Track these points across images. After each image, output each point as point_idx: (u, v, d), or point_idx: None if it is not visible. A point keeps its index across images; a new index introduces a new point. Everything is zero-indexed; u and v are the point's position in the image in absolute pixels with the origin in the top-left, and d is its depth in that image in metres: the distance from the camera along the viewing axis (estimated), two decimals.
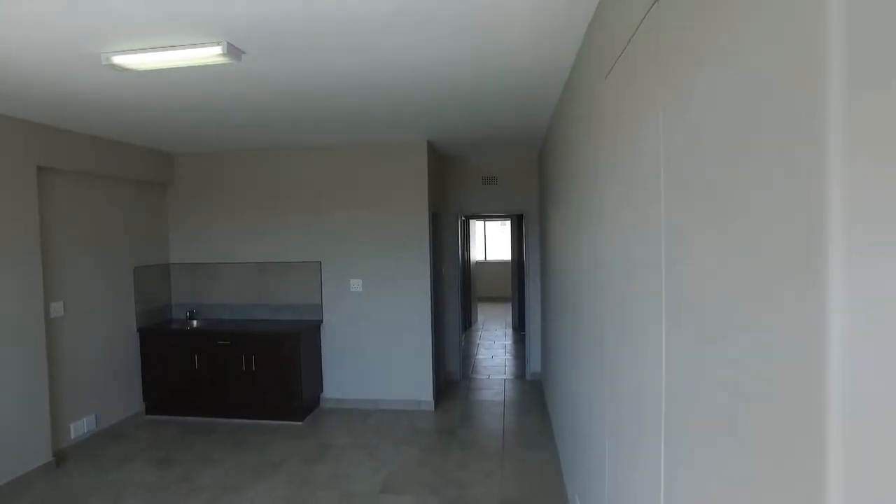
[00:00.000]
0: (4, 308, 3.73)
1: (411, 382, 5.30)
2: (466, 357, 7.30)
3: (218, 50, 2.51)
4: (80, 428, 4.45)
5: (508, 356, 7.42)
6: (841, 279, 0.64)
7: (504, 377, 6.40)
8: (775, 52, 0.79)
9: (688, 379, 1.15)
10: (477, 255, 11.72)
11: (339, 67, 2.93)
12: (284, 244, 5.45)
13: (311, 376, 5.15)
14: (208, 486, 3.76)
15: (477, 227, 12.63)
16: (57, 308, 4.26)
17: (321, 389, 5.42)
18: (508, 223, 13.07)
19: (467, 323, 9.06)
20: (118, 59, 2.60)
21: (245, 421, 5.01)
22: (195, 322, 5.40)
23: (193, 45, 2.50)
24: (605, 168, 2.03)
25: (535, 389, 5.87)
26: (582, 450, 2.81)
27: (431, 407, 5.28)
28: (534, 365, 6.31)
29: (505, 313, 10.87)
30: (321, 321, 5.40)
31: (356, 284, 5.33)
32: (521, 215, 8.28)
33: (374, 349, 5.34)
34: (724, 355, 0.96)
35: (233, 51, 2.56)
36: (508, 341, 8.36)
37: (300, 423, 4.95)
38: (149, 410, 5.21)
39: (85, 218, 4.57)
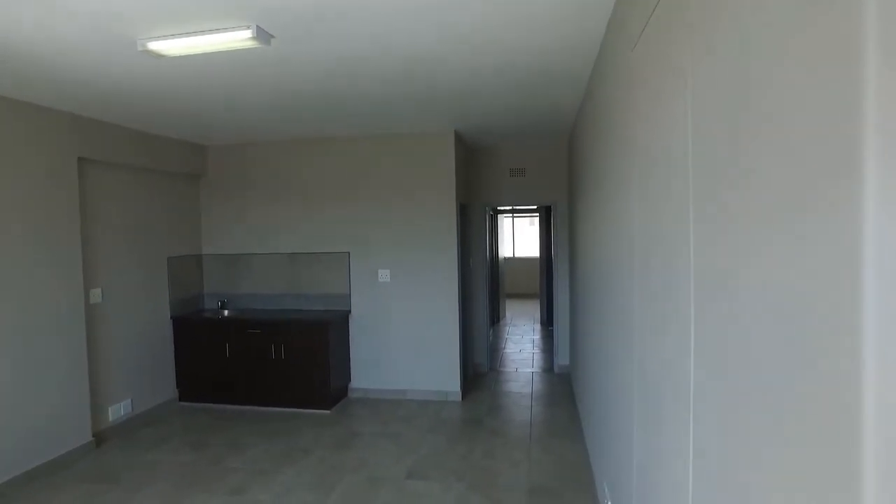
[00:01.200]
0: (49, 293, 3.87)
1: (439, 373, 5.31)
2: (494, 350, 7.28)
3: (248, 34, 2.55)
4: (117, 411, 4.59)
5: (536, 350, 7.37)
6: (873, 229, 0.61)
7: (532, 370, 6.36)
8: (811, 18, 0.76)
9: (717, 356, 1.13)
10: (505, 251, 11.68)
11: (364, 51, 2.95)
12: (314, 235, 5.52)
13: (339, 366, 5.20)
14: (239, 469, 3.84)
15: (505, 223, 12.60)
16: (96, 294, 4.40)
17: (349, 379, 5.47)
18: (537, 220, 13.01)
19: (495, 318, 9.04)
20: (153, 45, 2.67)
21: (274, 409, 5.09)
22: (226, 311, 5.51)
23: (224, 30, 2.56)
24: (631, 145, 2.00)
25: (563, 382, 5.82)
26: (610, 438, 2.78)
27: (459, 398, 5.28)
28: (562, 358, 6.26)
29: (533, 309, 10.80)
30: (349, 311, 5.46)
31: (384, 275, 5.37)
32: (550, 209, 8.23)
33: (402, 339, 5.37)
34: (753, 331, 0.94)
35: (262, 34, 2.60)
36: (536, 336, 8.31)
37: (328, 412, 5.01)
38: (182, 397, 5.34)
39: (121, 208, 4.71)
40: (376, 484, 3.57)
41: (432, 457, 4.00)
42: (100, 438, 4.35)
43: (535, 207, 10.13)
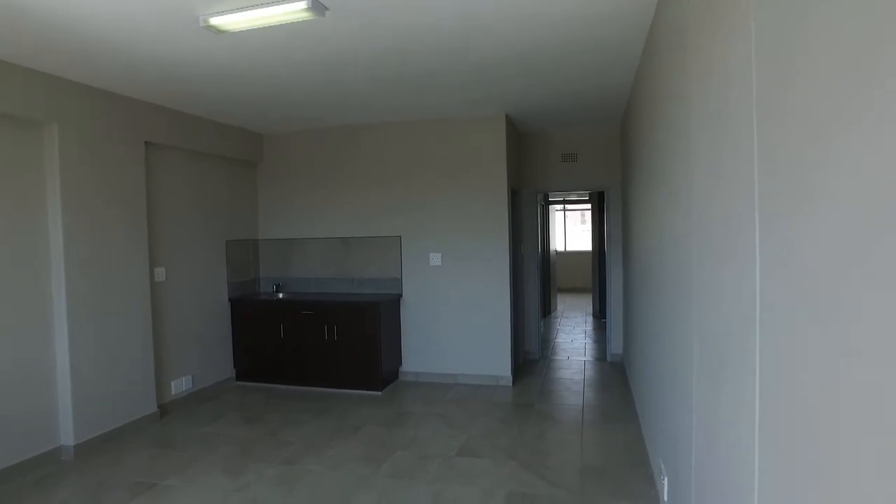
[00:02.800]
0: (120, 270, 4.08)
1: (489, 358, 5.28)
2: (545, 340, 7.19)
3: (303, 4, 2.61)
4: (178, 386, 4.78)
5: (588, 340, 7.24)
6: None
7: (584, 358, 6.25)
8: None
9: (786, 316, 1.06)
10: (556, 245, 11.52)
11: (417, 24, 2.96)
12: (366, 219, 5.60)
13: (390, 348, 5.25)
14: (293, 442, 3.93)
15: (556, 217, 12.44)
16: (160, 273, 4.60)
17: (400, 363, 5.52)
18: (587, 214, 12.77)
19: (546, 310, 8.93)
20: (214, 21, 2.77)
21: (326, 389, 5.19)
22: (281, 295, 5.65)
23: (280, 2, 2.62)
24: (688, 115, 1.92)
25: (615, 370, 5.68)
26: (667, 414, 2.69)
27: (510, 383, 5.24)
28: (615, 347, 6.11)
29: (584, 303, 10.61)
30: (401, 295, 5.50)
31: (435, 258, 5.38)
32: (602, 196, 8.06)
33: (453, 323, 5.37)
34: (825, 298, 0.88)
35: (317, 6, 2.65)
36: (588, 327, 8.15)
37: (379, 394, 5.06)
38: (238, 377, 5.51)
39: (183, 192, 4.90)
40: (426, 460, 3.58)
41: (483, 436, 3.98)
42: (163, 410, 4.54)
43: (586, 198, 9.95)
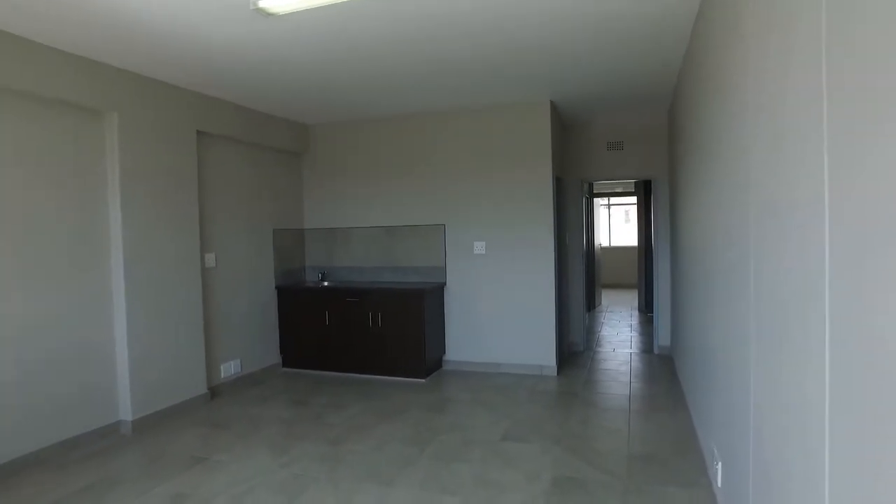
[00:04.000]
0: (173, 254, 4.21)
1: (534, 347, 5.23)
2: (590, 333, 7.08)
3: None
4: (227, 369, 4.91)
5: (634, 333, 7.08)
6: None
7: (630, 350, 6.11)
8: None
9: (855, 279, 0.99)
10: (601, 241, 11.33)
11: (463, 4, 2.95)
12: (410, 208, 5.62)
13: (434, 336, 5.25)
14: (338, 424, 3.97)
15: (601, 214, 12.22)
16: (210, 259, 4.73)
17: (444, 351, 5.52)
18: (631, 210, 12.51)
19: (591, 305, 8.79)
20: (263, 3, 2.82)
21: (371, 376, 5.24)
22: (326, 283, 5.74)
23: None
24: (741, 94, 1.84)
25: (663, 362, 5.54)
26: (720, 396, 2.59)
27: (554, 372, 5.17)
28: (662, 339, 5.96)
29: (629, 298, 10.39)
30: (444, 283, 5.50)
31: (479, 247, 5.36)
32: (648, 188, 7.87)
33: (497, 312, 5.34)
34: None
35: None
36: (634, 321, 7.98)
37: (423, 381, 5.07)
38: (284, 363, 5.62)
39: (232, 180, 5.03)
40: (471, 443, 3.56)
41: (527, 422, 3.94)
42: (213, 392, 4.67)
43: (631, 190, 9.74)
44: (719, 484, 2.58)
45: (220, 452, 3.49)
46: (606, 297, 10.68)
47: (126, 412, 3.89)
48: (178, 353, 4.27)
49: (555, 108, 5.36)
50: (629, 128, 5.99)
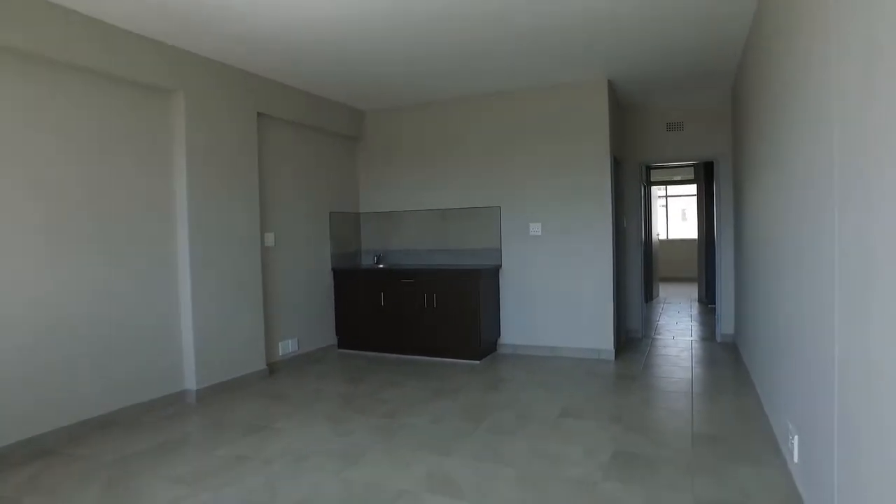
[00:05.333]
0: (235, 231, 4.34)
1: (590, 331, 5.11)
2: (648, 322, 6.87)
3: None
4: (285, 347, 5.01)
5: (694, 323, 6.82)
6: None
7: (690, 338, 5.89)
8: None
9: None
10: (658, 234, 11.00)
11: None
12: (464, 191, 5.60)
13: (489, 318, 5.21)
14: (392, 400, 3.99)
15: (658, 207, 11.88)
16: (270, 238, 4.85)
17: (498, 334, 5.47)
18: (690, 211, 12.07)
19: (648, 296, 8.54)
20: None
21: (425, 358, 5.25)
22: (381, 266, 5.78)
23: None
24: (822, 65, 1.71)
25: (726, 350, 5.31)
26: (797, 373, 2.45)
27: (612, 357, 5.04)
28: (725, 328, 5.71)
29: (688, 291, 10.05)
30: (500, 266, 5.45)
31: (535, 228, 5.28)
32: (709, 173, 7.58)
33: (553, 295, 5.25)
34: None
35: None
36: (694, 311, 7.70)
37: (477, 363, 5.04)
38: (340, 345, 5.70)
39: (291, 162, 5.14)
40: (527, 420, 3.51)
41: (585, 401, 3.84)
42: (271, 368, 4.78)
43: (691, 178, 9.40)
44: (795, 459, 2.43)
45: (279, 421, 3.57)
46: (664, 290, 10.36)
47: (191, 382, 4.02)
48: (239, 328, 4.39)
49: (612, 88, 5.22)
50: (690, 107, 5.78)
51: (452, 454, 2.98)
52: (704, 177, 8.20)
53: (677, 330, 6.39)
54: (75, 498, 2.58)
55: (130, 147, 3.71)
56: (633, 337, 5.99)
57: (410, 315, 5.28)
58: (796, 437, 2.42)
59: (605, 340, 5.06)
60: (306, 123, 5.19)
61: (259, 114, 4.66)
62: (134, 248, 3.71)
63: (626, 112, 6.03)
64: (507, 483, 2.62)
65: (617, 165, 5.50)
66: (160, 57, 3.76)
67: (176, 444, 3.22)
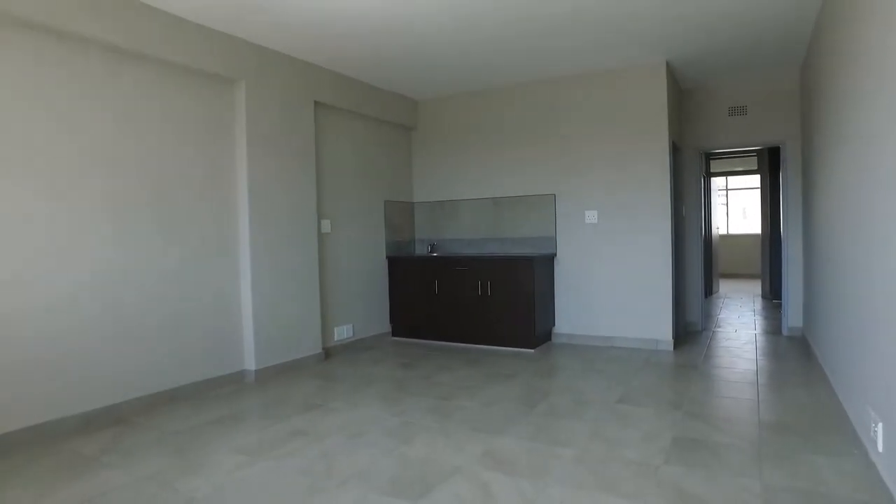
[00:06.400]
0: (293, 217, 4.44)
1: (648, 321, 4.97)
2: (708, 316, 6.63)
3: None
4: (341, 333, 5.10)
5: (758, 317, 6.54)
6: None
7: (754, 332, 5.64)
8: None
9: None
10: (718, 229, 10.61)
11: None
12: (518, 178, 5.56)
13: (543, 307, 5.14)
14: (446, 384, 3.99)
15: (717, 203, 11.46)
16: (326, 225, 4.94)
17: (553, 323, 5.39)
18: (751, 205, 11.58)
19: (707, 292, 8.25)
20: None
21: (479, 346, 5.23)
22: (435, 255, 5.80)
23: None
24: None
25: (794, 343, 5.05)
26: (882, 357, 2.29)
27: (670, 347, 4.89)
28: (793, 321, 5.44)
29: (750, 287, 9.65)
30: (554, 254, 5.37)
31: (591, 216, 5.18)
32: (774, 165, 7.25)
33: (609, 283, 5.13)
34: None
35: None
36: (757, 306, 7.37)
37: (532, 351, 4.98)
38: (394, 332, 5.75)
39: (346, 151, 5.22)
40: (583, 405, 3.44)
41: (643, 389, 3.74)
42: (327, 353, 4.88)
43: (753, 168, 9.02)
44: (880, 448, 2.28)
45: (335, 401, 3.62)
46: (723, 286, 9.98)
47: (250, 362, 4.15)
48: (297, 312, 4.49)
49: (671, 71, 5.07)
50: (755, 90, 5.53)
51: (507, 435, 2.95)
52: (769, 166, 7.85)
53: (739, 323, 6.13)
54: (148, 460, 2.70)
55: (195, 133, 3.85)
56: (691, 329, 5.79)
57: (464, 303, 5.27)
58: (880, 425, 2.27)
59: (663, 331, 4.91)
60: (362, 112, 5.26)
61: (316, 102, 4.76)
62: (197, 231, 3.85)
63: (684, 96, 5.83)
64: (563, 463, 2.57)
65: (675, 152, 5.32)
66: (224, 48, 3.89)
67: (237, 418, 3.32)
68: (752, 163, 8.95)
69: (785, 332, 5.48)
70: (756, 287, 9.61)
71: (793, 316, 5.45)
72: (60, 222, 3.11)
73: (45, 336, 3.04)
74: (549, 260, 5.30)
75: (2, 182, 2.88)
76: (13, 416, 2.92)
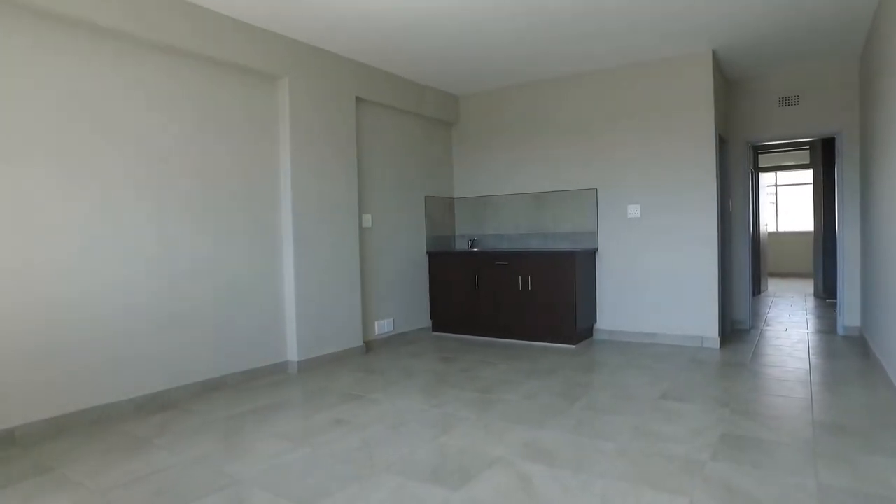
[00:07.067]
0: (334, 211, 4.51)
1: (693, 317, 4.84)
2: (757, 314, 6.41)
3: None
4: (381, 327, 5.14)
5: (810, 316, 6.28)
6: None
7: (806, 331, 5.42)
8: None
9: None
10: (767, 227, 10.25)
11: None
12: (560, 173, 5.49)
13: (584, 302, 5.07)
14: (486, 378, 3.98)
15: (766, 200, 11.07)
16: (367, 220, 4.99)
17: (594, 319, 5.31)
18: (807, 188, 11.14)
19: (756, 290, 7.98)
20: None
21: (519, 341, 5.20)
22: (475, 250, 5.79)
23: None
24: None
25: (850, 343, 4.83)
26: None
27: (716, 345, 4.74)
28: (849, 320, 5.20)
29: (801, 286, 9.29)
30: (596, 249, 5.29)
31: (634, 210, 5.08)
32: (829, 158, 6.96)
33: (652, 279, 5.02)
34: None
35: None
36: (809, 305, 7.08)
37: (573, 347, 4.92)
38: (434, 328, 5.76)
39: (387, 146, 5.26)
40: (626, 400, 3.37)
41: (689, 385, 3.64)
42: (368, 346, 4.93)
43: (804, 162, 8.67)
44: None
45: (375, 392, 3.66)
46: (772, 285, 9.64)
47: (293, 353, 4.22)
48: (338, 305, 4.56)
49: (717, 61, 4.92)
50: (808, 79, 5.31)
51: (548, 427, 2.92)
52: (823, 159, 7.54)
53: (790, 322, 5.91)
54: (196, 444, 2.78)
55: (240, 128, 3.95)
56: (739, 328, 5.61)
57: (504, 298, 5.24)
58: None
59: (708, 328, 4.77)
60: (403, 108, 5.29)
61: (357, 98, 4.81)
62: (243, 225, 3.95)
63: (732, 85, 5.65)
64: (606, 456, 2.52)
65: (721, 144, 5.16)
66: (268, 45, 3.98)
67: (279, 406, 3.39)
68: (803, 156, 8.61)
69: (840, 331, 5.25)
70: (807, 286, 9.24)
71: (849, 315, 5.22)
72: (112, 214, 3.24)
73: (99, 323, 3.17)
74: (590, 255, 5.22)
75: (61, 174, 3.01)
76: (73, 398, 3.06)
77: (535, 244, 5.65)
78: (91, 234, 3.14)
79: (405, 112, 5.43)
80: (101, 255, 3.19)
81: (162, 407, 3.43)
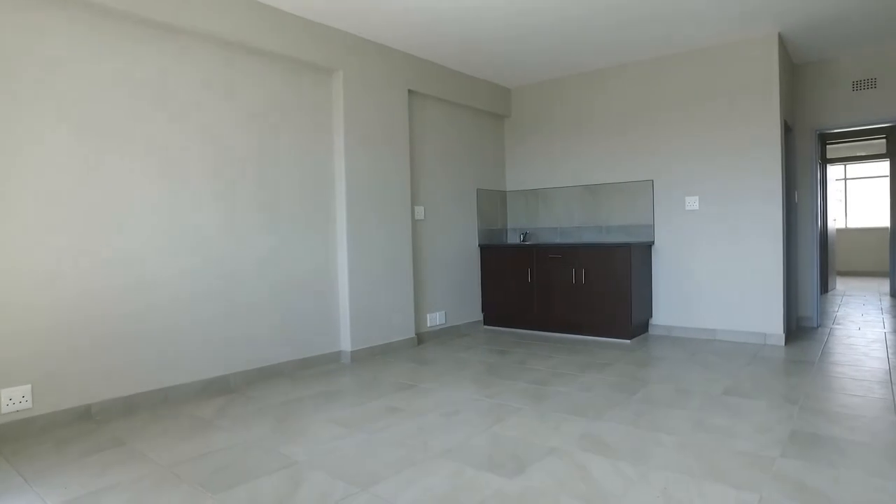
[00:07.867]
0: (387, 202, 4.55)
1: (755, 313, 4.63)
2: (825, 313, 6.09)
3: None
4: (433, 319, 5.15)
5: (887, 316, 5.91)
6: None
7: (883, 330, 5.10)
8: None
9: None
10: (835, 219, 9.72)
11: None
12: (613, 165, 5.37)
13: (640, 297, 4.93)
14: (540, 370, 3.92)
15: (835, 194, 10.50)
16: (419, 212, 5.01)
17: (650, 315, 5.16)
18: (884, 179, 10.50)
19: (824, 288, 7.58)
20: None
21: (572, 336, 5.12)
22: (527, 243, 5.73)
23: None
24: None
25: None
26: None
27: (781, 342, 4.53)
28: None
29: (874, 285, 8.77)
30: (652, 242, 5.14)
31: (692, 202, 4.91)
32: None
33: (711, 273, 4.84)
34: None
35: None
36: (885, 304, 6.67)
37: (628, 342, 4.80)
38: (486, 321, 5.74)
39: (440, 139, 5.27)
40: (685, 394, 3.25)
41: (753, 382, 3.48)
42: (420, 338, 4.95)
43: (881, 152, 8.16)
44: None
45: (428, 382, 3.66)
46: (841, 284, 9.14)
47: (346, 343, 4.28)
48: (391, 296, 4.59)
49: (783, 44, 4.68)
50: (886, 61, 4.99)
51: (605, 419, 2.85)
52: None
53: (863, 321, 5.58)
54: (254, 427, 2.85)
55: (295, 121, 4.03)
56: (805, 325, 5.34)
57: (557, 292, 5.16)
58: None
59: (773, 324, 4.56)
60: (455, 101, 5.29)
61: (410, 91, 4.84)
62: (298, 215, 4.03)
63: (799, 69, 5.37)
64: (666, 449, 2.44)
65: (787, 132, 4.92)
66: (323, 39, 4.05)
67: (334, 394, 3.44)
68: (879, 146, 8.10)
69: None
70: (881, 285, 8.72)
71: None
72: (175, 204, 3.37)
73: (169, 310, 3.30)
74: (646, 248, 5.07)
75: (128, 166, 3.15)
76: (143, 379, 3.20)
77: (589, 237, 5.54)
78: (155, 223, 3.27)
79: (457, 105, 5.42)
80: (173, 244, 3.32)
81: (222, 391, 3.54)
